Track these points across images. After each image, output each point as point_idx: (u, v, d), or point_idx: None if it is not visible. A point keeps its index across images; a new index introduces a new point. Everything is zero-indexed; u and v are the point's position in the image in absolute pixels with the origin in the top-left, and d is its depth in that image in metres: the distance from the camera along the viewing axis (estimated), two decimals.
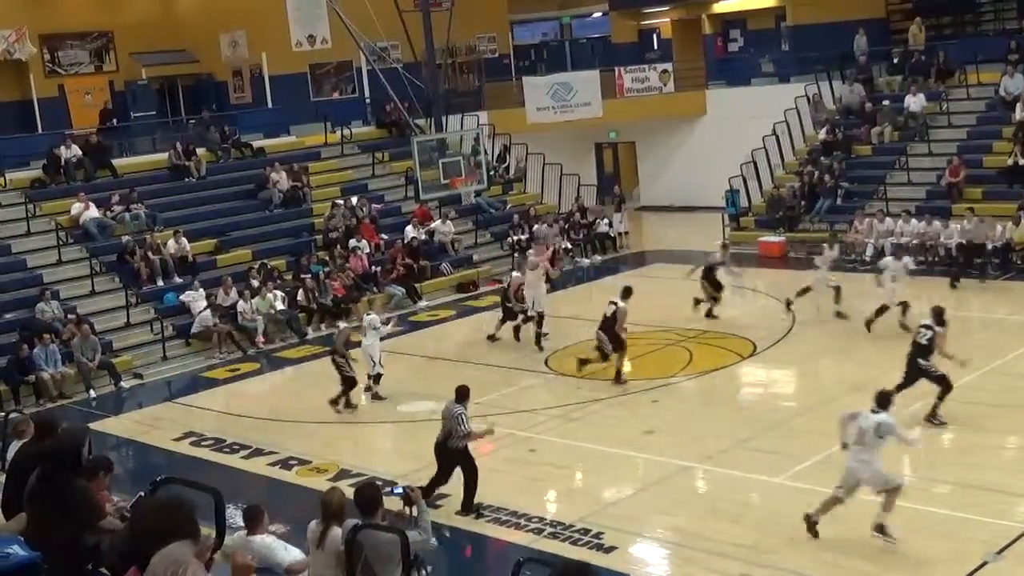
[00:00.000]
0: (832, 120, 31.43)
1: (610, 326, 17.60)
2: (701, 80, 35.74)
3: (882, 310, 19.07)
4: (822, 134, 30.96)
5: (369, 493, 8.24)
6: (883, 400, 11.44)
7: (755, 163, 31.16)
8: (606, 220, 30.00)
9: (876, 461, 11.16)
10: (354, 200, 27.60)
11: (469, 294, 25.55)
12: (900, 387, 14.24)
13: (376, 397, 17.73)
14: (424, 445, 13.47)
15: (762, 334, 19.88)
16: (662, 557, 11.97)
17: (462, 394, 12.99)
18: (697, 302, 21.11)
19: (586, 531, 12.16)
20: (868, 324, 19.02)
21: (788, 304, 20.59)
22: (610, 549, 11.64)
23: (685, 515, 12.66)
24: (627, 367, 17.77)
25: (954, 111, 29.86)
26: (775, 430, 15.14)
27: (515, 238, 28.01)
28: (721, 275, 21.48)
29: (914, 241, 25.06)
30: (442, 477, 12.89)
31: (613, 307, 17.67)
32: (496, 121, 32.86)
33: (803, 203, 28.85)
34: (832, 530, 11.67)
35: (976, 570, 10.62)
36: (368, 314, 18.58)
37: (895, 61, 32.16)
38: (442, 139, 29.14)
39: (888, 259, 20.05)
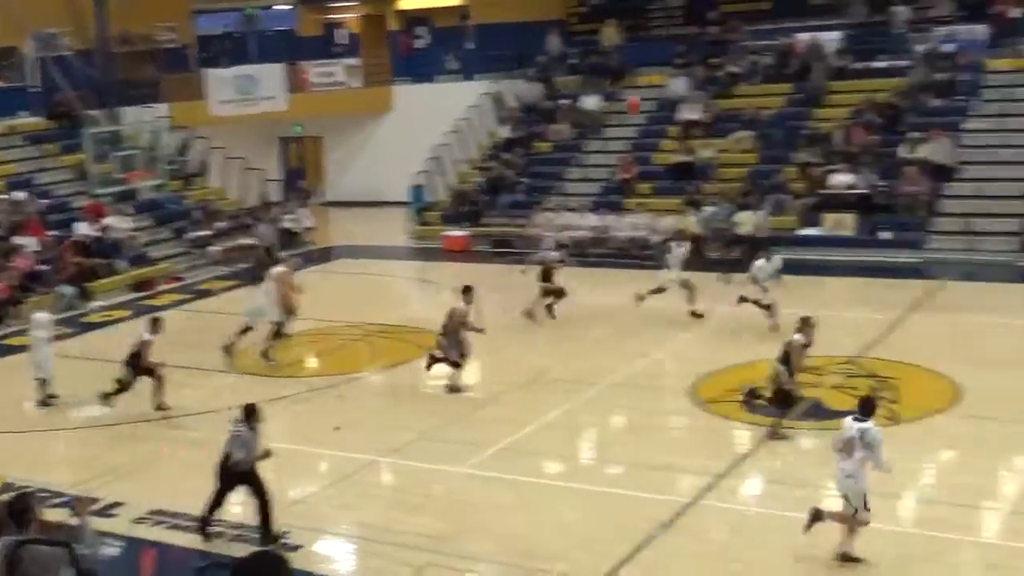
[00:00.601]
0: (514, 117, 32.36)
1: (450, 330, 16.55)
2: (387, 76, 35.96)
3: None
4: (505, 131, 31.82)
5: (19, 506, 7.74)
6: (868, 408, 10.70)
7: (440, 159, 31.63)
8: (292, 216, 29.60)
9: (862, 478, 10.44)
10: (19, 195, 25.92)
11: (146, 293, 24.52)
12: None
13: (45, 403, 16.70)
14: (94, 452, 12.80)
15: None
16: (349, 552, 11.90)
17: (251, 413, 11.73)
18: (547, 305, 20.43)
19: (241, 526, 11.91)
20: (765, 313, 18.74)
21: (640, 298, 19.84)
22: (296, 548, 11.47)
23: (370, 509, 12.65)
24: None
25: (626, 110, 31.38)
26: (460, 420, 15.40)
27: (195, 234, 27.19)
28: (559, 276, 20.67)
29: (589, 235, 26.25)
30: (220, 498, 11.91)
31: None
32: (177, 113, 31.73)
33: (487, 198, 29.53)
34: (521, 517, 12.00)
35: (643, 544, 11.15)
36: (37, 313, 17.48)
37: (575, 62, 33.45)
38: (117, 131, 27.86)
39: (760, 261, 19.07)
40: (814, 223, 25.40)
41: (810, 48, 29.80)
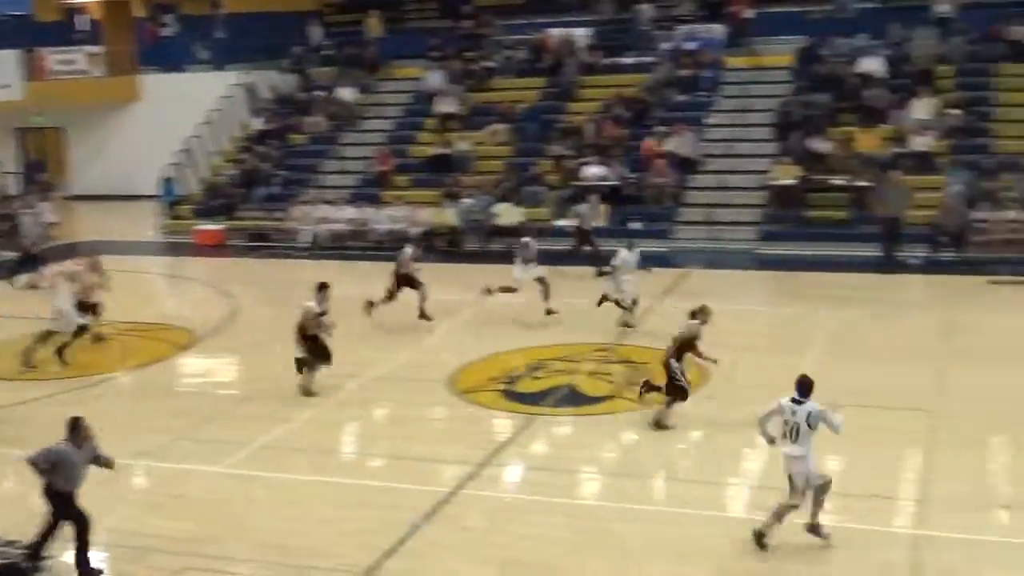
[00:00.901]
0: (268, 109, 31.77)
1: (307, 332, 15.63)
2: (133, 65, 34.62)
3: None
4: (258, 123, 31.19)
5: None
6: (806, 388, 10.53)
7: (192, 151, 30.70)
8: (33, 210, 28.06)
9: (811, 458, 10.42)
10: None
11: None
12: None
13: None
14: None
15: (199, 323, 19.68)
16: (100, 560, 11.37)
17: (76, 429, 10.69)
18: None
19: (11, 542, 11.26)
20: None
21: (548, 312, 18.93)
22: (43, 559, 10.88)
23: (122, 514, 12.14)
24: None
25: (383, 103, 31.32)
26: (217, 419, 15.01)
27: None
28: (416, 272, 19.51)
29: (348, 227, 26.08)
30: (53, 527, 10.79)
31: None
32: None
33: (241, 191, 28.87)
34: (282, 515, 11.80)
35: (406, 535, 11.17)
36: None
37: (330, 53, 33.11)
38: None
39: (623, 252, 18.58)
40: (568, 214, 26.02)
41: (562, 43, 30.53)
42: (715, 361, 14.22)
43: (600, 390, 15.56)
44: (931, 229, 22.83)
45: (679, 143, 26.67)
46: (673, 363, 13.87)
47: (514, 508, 12.03)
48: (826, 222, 24.32)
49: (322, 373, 15.87)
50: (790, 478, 10.56)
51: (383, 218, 26.22)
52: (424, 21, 34.56)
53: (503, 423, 14.58)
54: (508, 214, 25.23)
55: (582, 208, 23.68)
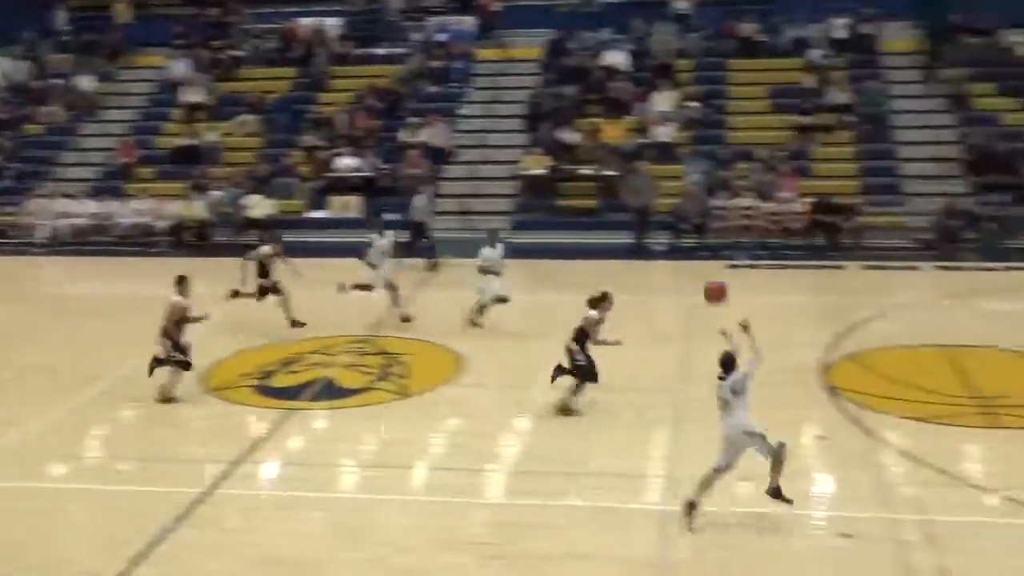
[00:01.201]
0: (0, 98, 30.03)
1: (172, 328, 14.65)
2: None
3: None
4: None
5: None
6: (727, 364, 10.96)
7: None
8: None
9: (750, 421, 10.81)
10: None
11: None
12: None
13: None
14: None
15: None
16: None
17: None
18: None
19: None
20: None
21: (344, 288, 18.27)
22: None
23: None
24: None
25: (125, 92, 30.09)
26: None
27: None
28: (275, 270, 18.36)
29: (90, 222, 24.95)
30: None
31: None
32: None
33: None
34: (24, 525, 11.15)
35: (157, 539, 10.77)
36: None
37: (67, 39, 31.54)
38: None
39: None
40: (321, 206, 25.77)
41: (312, 33, 30.13)
42: (619, 343, 14.05)
43: (358, 382, 15.45)
44: (673, 217, 23.79)
45: (432, 134, 26.80)
46: (574, 346, 13.85)
47: (271, 505, 11.78)
48: (576, 211, 24.98)
49: (68, 374, 15.11)
50: (729, 443, 10.91)
51: (127, 212, 25.23)
52: (169, 8, 33.34)
53: (258, 419, 14.25)
54: (259, 206, 24.71)
55: (417, 200, 23.42)
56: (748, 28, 28.59)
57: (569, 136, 26.02)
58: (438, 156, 26.65)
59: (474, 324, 17.78)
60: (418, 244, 22.80)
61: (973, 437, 13.16)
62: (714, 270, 21.55)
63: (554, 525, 10.99)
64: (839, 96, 26.46)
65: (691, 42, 28.98)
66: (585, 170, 25.40)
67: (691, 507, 10.85)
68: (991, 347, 16.27)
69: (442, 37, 29.86)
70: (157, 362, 14.61)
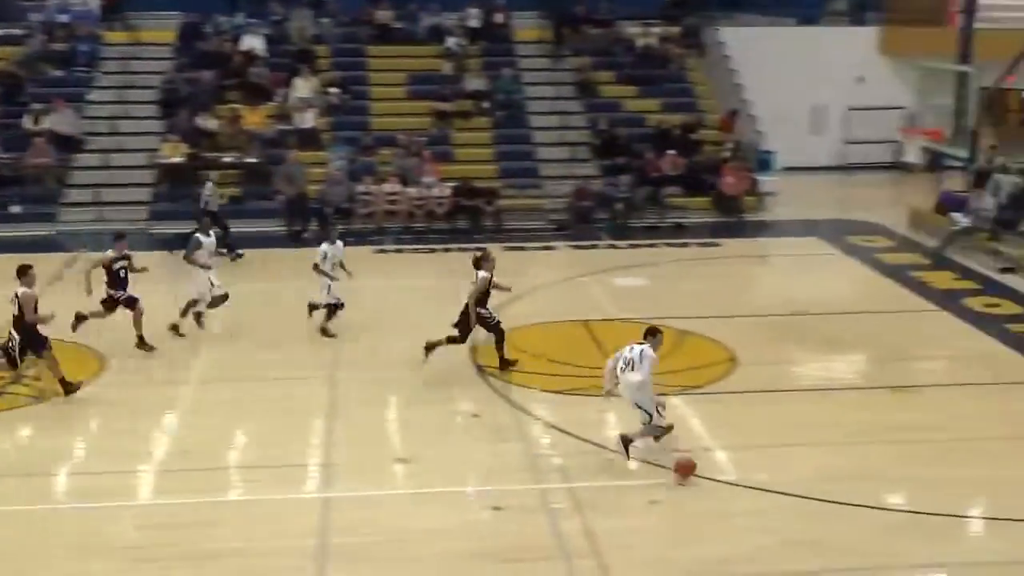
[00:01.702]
0: None
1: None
2: None
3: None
4: None
5: None
6: (651, 332, 12.25)
7: None
8: None
9: (648, 387, 11.99)
10: None
11: None
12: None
13: None
14: None
15: None
16: None
17: None
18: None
19: None
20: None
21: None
22: None
23: None
24: None
25: None
26: None
27: None
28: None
29: None
30: None
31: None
32: None
33: None
34: None
35: None
36: None
37: None
38: None
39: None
40: None
41: None
42: (509, 288, 15.37)
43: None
44: (318, 203, 23.69)
45: (58, 120, 25.29)
46: (481, 311, 14.71)
47: None
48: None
49: None
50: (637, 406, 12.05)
51: None
52: None
53: None
54: None
55: (207, 189, 21.76)
56: (385, 15, 28.91)
57: (208, 123, 25.33)
58: (67, 144, 25.17)
59: (326, 333, 16.47)
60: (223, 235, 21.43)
61: (611, 406, 14.01)
62: (362, 255, 21.66)
63: (210, 522, 10.76)
64: (476, 83, 27.29)
65: (328, 28, 28.96)
66: (227, 158, 24.83)
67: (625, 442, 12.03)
68: (622, 319, 17.37)
69: (64, 18, 28.21)
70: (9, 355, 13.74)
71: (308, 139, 25.51)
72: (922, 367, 16.22)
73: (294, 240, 22.65)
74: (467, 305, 14.74)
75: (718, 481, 11.72)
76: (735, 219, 24.94)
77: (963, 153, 24.63)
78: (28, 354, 13.89)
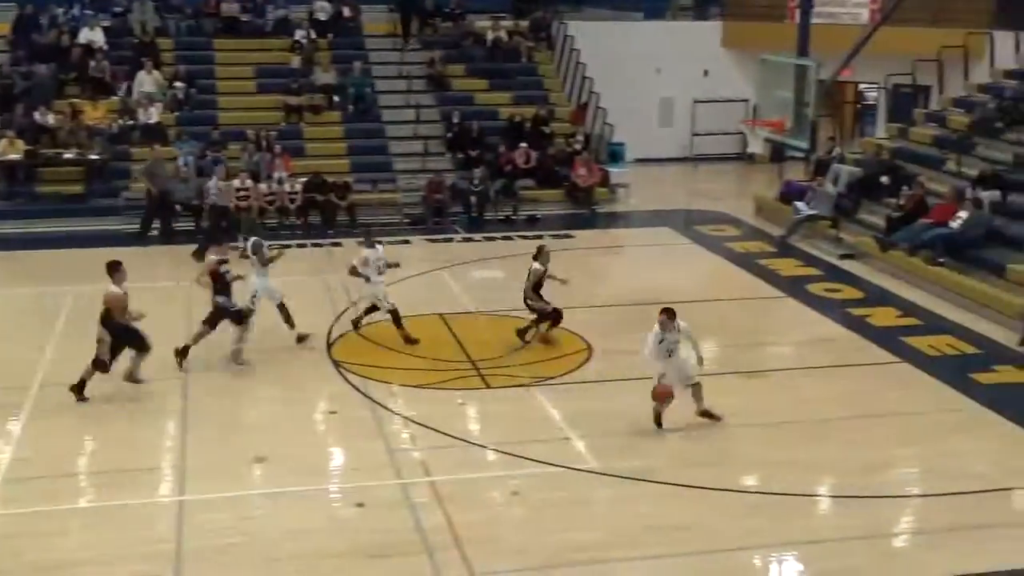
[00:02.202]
0: None
1: None
2: None
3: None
4: None
5: None
6: (674, 313, 12.70)
7: None
8: None
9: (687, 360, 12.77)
10: None
11: None
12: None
13: None
14: None
15: None
16: None
17: None
18: None
19: None
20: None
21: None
22: None
23: None
24: None
25: None
26: None
27: None
28: None
29: None
30: None
31: None
32: None
33: None
34: None
35: None
36: None
37: None
38: None
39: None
40: None
41: None
42: (565, 281, 16.02)
43: None
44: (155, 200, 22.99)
45: None
46: (532, 296, 15.74)
47: None
48: (60, 197, 23.52)
49: None
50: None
51: None
52: None
53: None
54: None
55: (217, 183, 21.37)
56: (231, 7, 28.34)
57: (47, 118, 24.43)
58: None
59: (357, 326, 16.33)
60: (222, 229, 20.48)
61: (468, 398, 14.04)
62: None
63: (58, 532, 10.40)
64: (326, 77, 26.97)
65: (172, 21, 28.23)
66: (67, 154, 23.98)
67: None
68: (477, 313, 17.42)
69: None
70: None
71: (153, 135, 24.82)
72: (771, 352, 16.73)
73: (139, 239, 22.00)
74: (525, 294, 15.86)
75: (578, 470, 11.85)
76: (588, 211, 25.26)
77: (803, 144, 25.36)
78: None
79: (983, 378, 14.88)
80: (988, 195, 19.71)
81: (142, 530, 10.52)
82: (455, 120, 26.33)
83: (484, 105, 27.53)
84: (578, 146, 26.16)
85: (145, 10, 27.89)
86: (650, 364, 12.76)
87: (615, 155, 28.23)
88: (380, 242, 16.69)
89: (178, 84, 26.14)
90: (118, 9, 28.00)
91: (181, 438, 12.67)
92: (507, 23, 29.50)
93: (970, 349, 16.14)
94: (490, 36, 29.02)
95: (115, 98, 25.67)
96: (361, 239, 17.18)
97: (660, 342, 12.64)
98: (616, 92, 28.24)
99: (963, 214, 19.33)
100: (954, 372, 15.04)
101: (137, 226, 22.32)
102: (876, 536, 10.69)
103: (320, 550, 10.17)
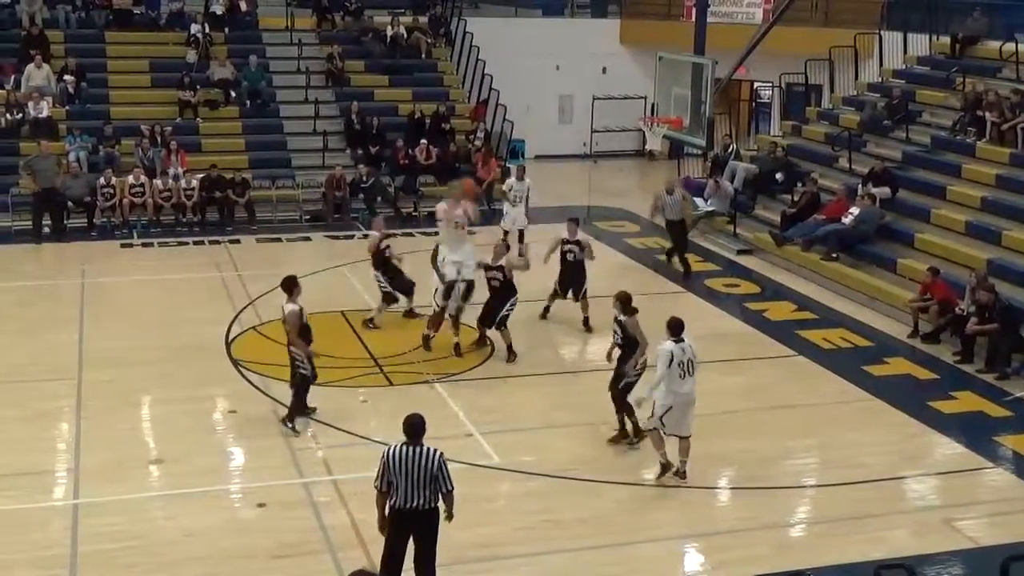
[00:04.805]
0: None
1: None
2: None
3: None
4: None
5: None
6: (681, 327, 11.49)
7: None
8: None
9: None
10: None
11: None
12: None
13: None
14: None
15: None
16: None
17: None
18: None
19: None
20: None
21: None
22: None
23: None
24: None
25: None
26: None
27: None
28: None
29: None
30: None
31: None
32: None
33: None
34: None
35: None
36: None
37: None
38: None
39: None
40: None
41: None
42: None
43: None
44: (58, 196, 22.46)
45: None
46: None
47: None
48: None
49: None
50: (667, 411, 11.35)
51: None
52: None
53: None
54: None
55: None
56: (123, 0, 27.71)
57: None
58: None
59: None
60: None
61: (370, 396, 13.94)
62: (108, 250, 20.81)
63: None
64: (222, 72, 26.52)
65: (62, 12, 27.49)
66: None
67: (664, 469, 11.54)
68: (379, 309, 17.31)
69: None
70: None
71: (43, 130, 24.13)
72: None
73: (34, 236, 21.39)
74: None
75: (481, 466, 11.84)
76: (487, 207, 25.25)
77: (700, 141, 25.68)
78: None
79: (875, 370, 15.25)
80: (879, 192, 20.19)
81: (35, 534, 10.24)
82: (354, 116, 26.09)
83: (384, 101, 27.34)
84: (478, 143, 26.15)
85: (33, 1, 27.10)
86: (654, 396, 11.48)
87: (515, 152, 28.25)
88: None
89: (68, 78, 25.47)
90: (5, 0, 27.17)
91: (75, 440, 12.35)
92: (406, 19, 29.34)
93: (863, 342, 16.54)
94: (390, 32, 28.84)
95: (2, 91, 24.92)
96: None
97: (671, 363, 11.20)
98: (515, 89, 28.29)
99: (855, 210, 19.79)
100: (848, 364, 15.40)
101: (29, 223, 21.71)
102: (776, 526, 10.89)
103: (221, 551, 10.02)
